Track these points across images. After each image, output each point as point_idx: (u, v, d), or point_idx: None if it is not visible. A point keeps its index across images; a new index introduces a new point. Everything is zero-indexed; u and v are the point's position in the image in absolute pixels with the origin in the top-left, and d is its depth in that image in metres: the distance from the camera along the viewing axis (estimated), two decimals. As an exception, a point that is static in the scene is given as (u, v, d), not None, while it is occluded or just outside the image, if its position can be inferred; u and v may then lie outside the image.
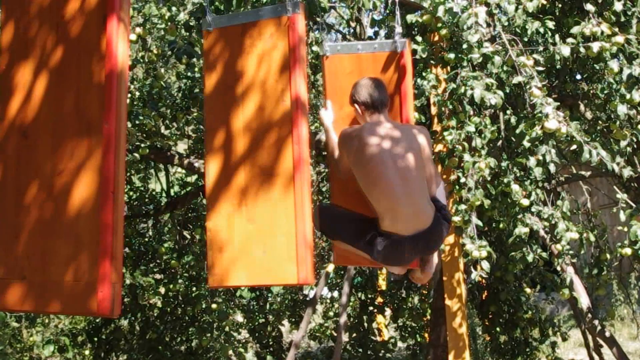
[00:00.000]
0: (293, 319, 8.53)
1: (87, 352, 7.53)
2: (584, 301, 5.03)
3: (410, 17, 4.99)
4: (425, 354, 6.69)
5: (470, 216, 4.58)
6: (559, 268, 4.99)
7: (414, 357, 7.91)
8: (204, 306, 6.72)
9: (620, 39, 4.49)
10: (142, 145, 6.14)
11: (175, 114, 6.82)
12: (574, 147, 4.31)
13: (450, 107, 4.68)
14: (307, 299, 8.49)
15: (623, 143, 4.70)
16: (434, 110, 5.09)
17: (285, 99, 3.47)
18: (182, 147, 7.88)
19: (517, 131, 4.64)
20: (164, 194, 7.83)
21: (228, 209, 3.54)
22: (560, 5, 5.19)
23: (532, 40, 4.94)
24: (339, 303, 7.51)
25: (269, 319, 8.23)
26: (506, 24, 4.81)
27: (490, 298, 6.74)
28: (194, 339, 7.17)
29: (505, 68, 4.54)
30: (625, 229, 4.68)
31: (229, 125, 3.60)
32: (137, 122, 6.07)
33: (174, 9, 5.97)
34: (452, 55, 4.65)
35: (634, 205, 4.74)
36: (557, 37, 4.68)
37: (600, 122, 5.35)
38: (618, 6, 4.64)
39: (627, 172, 4.46)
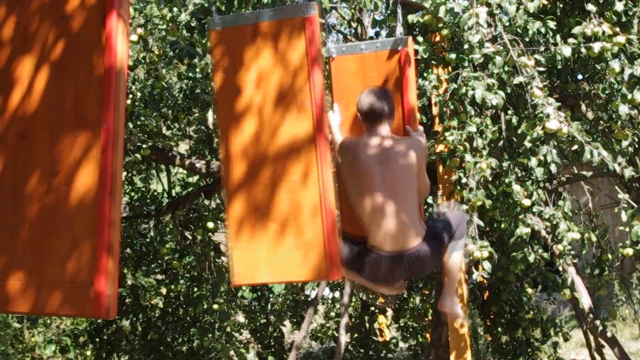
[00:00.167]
0: (294, 320, 8.53)
1: (88, 353, 7.53)
2: (586, 301, 5.03)
3: (412, 18, 4.99)
4: (426, 354, 6.69)
5: (472, 216, 4.57)
6: (560, 268, 4.99)
7: (415, 357, 7.91)
8: (205, 307, 6.72)
9: (621, 39, 4.49)
10: (144, 145, 6.14)
11: (176, 114, 6.83)
12: (575, 147, 4.31)
13: (452, 107, 4.68)
14: (309, 299, 8.49)
15: (624, 143, 4.70)
16: (435, 110, 5.09)
17: (305, 100, 3.48)
18: (183, 147, 7.89)
19: (519, 131, 4.64)
20: (165, 195, 7.83)
21: (249, 207, 3.56)
22: (561, 6, 5.19)
23: (533, 40, 4.94)
24: (341, 303, 7.51)
25: (271, 320, 8.23)
26: (507, 24, 4.81)
27: (491, 298, 6.74)
28: (196, 339, 7.17)
29: (506, 68, 4.54)
30: (627, 229, 4.68)
31: (244, 125, 3.61)
32: (138, 122, 6.07)
33: (175, 9, 5.97)
34: (453, 56, 4.65)
35: (635, 205, 4.74)
36: (558, 37, 4.68)
37: (601, 122, 5.35)
38: (619, 6, 4.64)
39: (628, 172, 4.46)
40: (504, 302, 6.64)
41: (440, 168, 5.10)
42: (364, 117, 3.94)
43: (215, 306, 6.63)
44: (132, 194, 7.58)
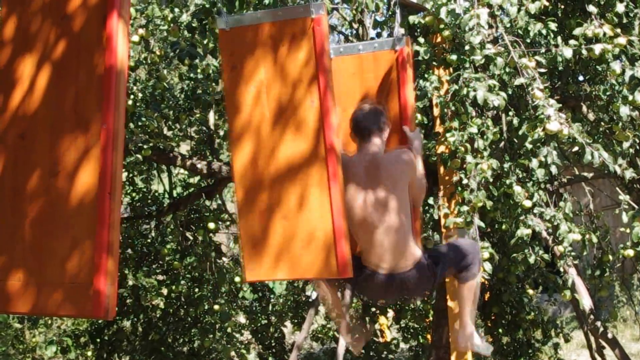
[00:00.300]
0: (295, 320, 8.53)
1: (89, 353, 7.54)
2: (586, 302, 5.03)
3: (413, 19, 4.99)
4: (427, 355, 6.69)
5: (473, 217, 4.58)
6: (561, 269, 4.99)
7: (416, 358, 7.91)
8: (206, 307, 6.73)
9: (622, 40, 4.49)
10: (145, 146, 6.14)
11: (178, 115, 6.84)
12: (576, 148, 4.31)
13: (453, 108, 4.68)
14: (310, 300, 8.49)
15: (625, 144, 4.70)
16: (436, 111, 5.09)
17: (314, 99, 3.49)
18: (184, 148, 7.89)
19: (520, 133, 4.64)
20: (166, 195, 7.84)
21: (260, 205, 3.60)
22: (562, 7, 5.19)
23: (535, 41, 4.94)
24: (342, 304, 7.50)
25: (272, 320, 8.23)
26: (508, 25, 4.81)
27: (492, 299, 6.73)
28: (197, 340, 7.18)
29: (507, 70, 4.55)
30: (628, 231, 4.68)
31: (254, 124, 3.63)
32: (139, 123, 6.08)
33: (176, 10, 5.98)
34: (454, 57, 4.65)
35: (636, 206, 4.74)
36: (559, 38, 4.68)
37: (602, 123, 5.35)
38: (620, 7, 4.64)
39: (629, 173, 4.46)
40: (504, 303, 6.64)
41: (441, 169, 5.10)
42: (353, 134, 3.96)
43: (216, 307, 6.63)
44: (133, 194, 7.59)
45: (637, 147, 4.86)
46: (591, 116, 5.53)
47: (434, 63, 4.91)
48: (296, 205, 3.52)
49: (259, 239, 3.60)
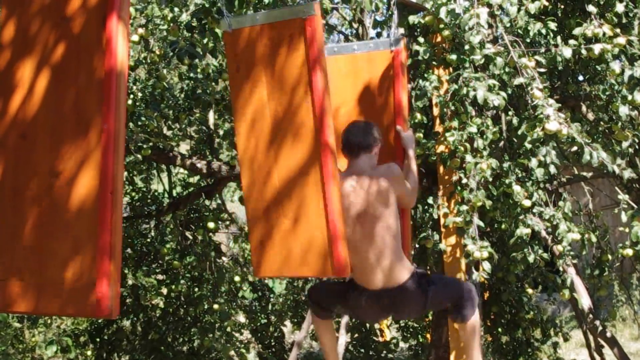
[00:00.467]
0: (295, 320, 8.53)
1: (89, 353, 7.53)
2: (585, 302, 5.04)
3: (413, 18, 4.99)
4: (427, 354, 6.70)
5: (472, 217, 4.58)
6: (560, 269, 5.00)
7: (415, 357, 7.91)
8: (206, 307, 6.73)
9: (622, 40, 4.49)
10: (145, 146, 6.15)
11: (177, 114, 6.83)
12: (575, 148, 4.32)
13: (452, 108, 4.68)
14: (309, 299, 8.49)
15: (625, 144, 4.70)
16: (436, 111, 5.10)
17: (309, 100, 3.51)
18: (184, 147, 7.89)
19: (519, 132, 4.64)
20: (166, 195, 7.84)
21: (263, 204, 3.66)
22: (562, 7, 5.20)
23: (534, 41, 4.94)
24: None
25: (271, 320, 8.23)
26: (508, 25, 4.82)
27: (492, 298, 6.74)
28: (196, 339, 7.17)
29: (507, 69, 4.55)
30: (627, 230, 4.69)
31: (258, 127, 3.67)
32: (139, 123, 6.08)
33: (176, 9, 5.98)
34: (454, 57, 4.65)
35: (635, 206, 4.75)
36: (559, 38, 4.68)
37: (602, 123, 5.35)
38: (620, 7, 4.65)
39: (627, 173, 4.47)
40: (504, 303, 6.65)
41: (441, 168, 5.11)
42: (343, 151, 3.99)
43: (216, 306, 6.63)
44: (133, 194, 7.59)
45: (637, 147, 4.86)
46: (590, 116, 5.54)
47: (434, 63, 4.92)
48: (296, 205, 3.56)
49: (265, 237, 3.67)
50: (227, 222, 7.85)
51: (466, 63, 4.62)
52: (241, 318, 8.27)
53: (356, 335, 7.69)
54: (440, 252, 5.25)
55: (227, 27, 3.74)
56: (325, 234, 3.47)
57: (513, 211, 4.77)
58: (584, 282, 5.16)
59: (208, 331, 6.73)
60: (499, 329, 6.88)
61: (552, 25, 4.74)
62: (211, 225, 6.70)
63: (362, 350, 7.64)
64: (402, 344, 8.37)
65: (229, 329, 6.79)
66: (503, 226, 5.01)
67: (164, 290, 7.13)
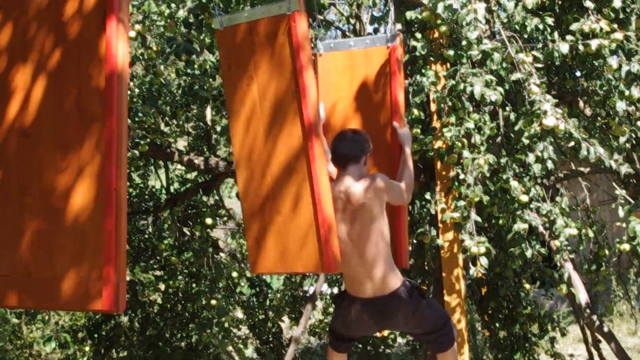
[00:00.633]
0: (293, 315, 8.54)
1: (87, 349, 7.54)
2: (583, 297, 5.05)
3: (410, 14, 4.99)
4: (424, 349, 6.71)
5: (470, 212, 4.59)
6: (558, 264, 5.01)
7: (413, 352, 7.92)
8: (203, 302, 6.73)
9: (619, 35, 4.50)
10: (142, 142, 6.14)
11: (175, 110, 6.83)
12: (572, 143, 4.32)
13: (450, 103, 4.69)
14: (307, 295, 8.51)
15: (622, 139, 4.71)
16: (433, 107, 5.10)
17: (295, 98, 3.52)
18: (181, 144, 7.89)
19: (516, 128, 4.65)
20: (163, 191, 7.84)
21: (258, 201, 3.69)
22: (559, 2, 5.20)
23: (532, 37, 4.95)
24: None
25: (269, 315, 8.24)
26: (505, 20, 4.82)
27: (489, 294, 6.75)
28: (194, 335, 7.18)
29: (504, 65, 4.55)
30: (624, 225, 4.69)
31: (253, 124, 3.68)
32: (136, 119, 6.07)
33: (173, 5, 5.97)
34: (451, 52, 4.66)
35: (632, 201, 4.76)
36: (556, 34, 4.68)
37: (599, 118, 5.36)
38: (617, 3, 4.65)
39: (624, 168, 4.47)
40: (501, 298, 6.66)
41: (439, 164, 5.11)
42: (333, 162, 4.02)
43: (214, 302, 6.63)
44: (131, 190, 7.58)
45: (634, 142, 4.87)
46: (588, 111, 5.54)
47: (431, 58, 4.92)
48: (288, 202, 3.58)
49: (261, 234, 3.69)
50: (225, 218, 7.86)
51: (463, 59, 4.62)
52: (239, 314, 8.28)
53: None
54: (437, 247, 5.26)
55: (219, 25, 3.75)
56: (317, 230, 3.49)
57: (510, 206, 4.78)
58: (581, 277, 5.17)
59: (206, 327, 6.73)
60: (497, 324, 6.89)
61: (550, 21, 4.74)
62: (209, 221, 6.70)
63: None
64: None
65: (226, 325, 6.80)
66: (500, 221, 5.02)
67: (162, 286, 7.13)
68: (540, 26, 4.75)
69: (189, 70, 6.82)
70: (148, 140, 6.22)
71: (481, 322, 7.57)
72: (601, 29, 4.51)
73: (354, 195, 3.83)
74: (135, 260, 7.34)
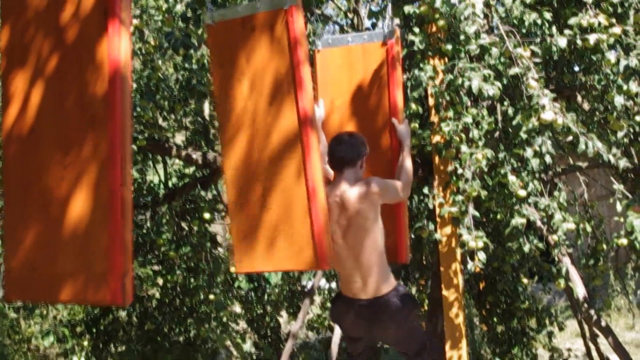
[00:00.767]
0: (291, 310, 8.55)
1: (85, 343, 7.54)
2: (580, 291, 5.05)
3: (408, 9, 4.98)
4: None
5: (467, 207, 4.59)
6: (555, 258, 5.01)
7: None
8: (202, 297, 6.74)
9: (617, 30, 4.49)
10: (140, 136, 6.14)
11: (173, 105, 6.82)
12: (570, 138, 4.32)
13: (448, 98, 4.68)
14: (305, 290, 8.51)
15: (620, 134, 4.71)
16: (431, 101, 5.10)
17: (291, 92, 3.50)
18: (179, 138, 7.88)
19: (514, 122, 4.64)
20: (161, 186, 7.83)
21: (246, 196, 3.63)
22: (557, -3, 5.19)
23: (530, 32, 4.94)
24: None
25: (267, 310, 8.25)
26: (504, 15, 4.81)
27: (487, 288, 6.76)
28: (192, 329, 7.19)
29: (502, 59, 4.55)
30: (622, 220, 4.69)
31: (240, 119, 3.65)
32: (134, 113, 6.07)
33: (170, 0, 5.96)
34: (449, 47, 4.65)
35: (630, 196, 4.76)
36: (554, 28, 4.68)
37: (597, 113, 5.35)
38: (615, -3, 4.65)
39: (622, 163, 4.47)
40: (499, 292, 6.67)
41: (437, 159, 5.11)
42: (329, 164, 4.06)
43: (212, 296, 6.64)
44: (129, 184, 7.56)
45: (631, 137, 4.87)
46: (586, 106, 5.54)
47: (429, 53, 4.91)
48: (280, 199, 3.55)
49: (247, 230, 3.64)
50: (223, 213, 7.85)
51: (461, 53, 4.61)
52: (237, 308, 8.28)
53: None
54: (435, 242, 5.26)
55: (210, 20, 3.73)
56: (309, 227, 3.46)
57: (508, 201, 4.78)
58: (579, 272, 5.18)
59: (204, 321, 6.74)
60: (495, 319, 6.90)
61: (548, 15, 4.73)
62: (207, 216, 6.70)
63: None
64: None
65: (224, 319, 6.80)
66: (498, 216, 5.02)
67: (160, 281, 7.14)
68: (539, 21, 4.74)
69: (186, 65, 6.81)
70: (146, 134, 6.22)
71: (479, 317, 7.58)
72: (599, 24, 4.50)
73: (349, 201, 3.88)
74: (133, 255, 7.32)
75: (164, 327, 7.20)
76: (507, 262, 5.73)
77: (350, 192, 3.90)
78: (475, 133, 4.59)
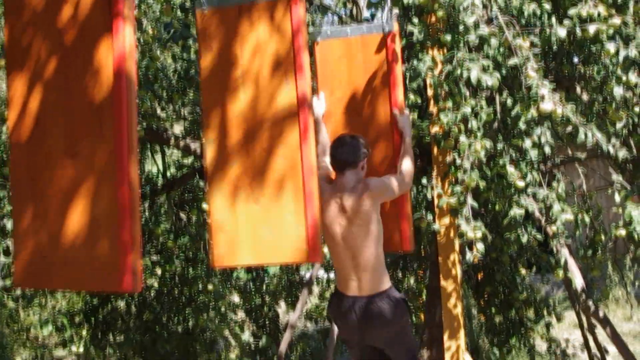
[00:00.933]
0: (289, 300, 8.56)
1: (84, 332, 7.56)
2: (578, 282, 5.06)
3: (407, -1, 4.96)
4: (420, 334, 6.73)
5: (466, 197, 4.58)
6: (554, 249, 5.01)
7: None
8: (200, 287, 6.74)
9: (617, 20, 4.48)
10: (138, 127, 6.13)
11: (171, 95, 6.81)
12: (569, 128, 4.32)
13: (447, 88, 4.67)
14: (304, 280, 8.52)
15: (619, 125, 4.70)
16: (430, 91, 5.09)
17: (289, 82, 3.46)
18: (178, 128, 7.87)
19: (513, 113, 4.64)
20: (160, 176, 7.83)
21: (229, 188, 3.53)
22: (557, -13, 5.17)
23: (529, 22, 4.92)
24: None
25: (266, 300, 8.26)
26: (503, 5, 4.79)
27: (485, 279, 6.77)
28: (191, 319, 7.20)
29: (501, 50, 4.54)
30: (621, 211, 4.69)
31: (228, 106, 3.59)
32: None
33: (169, -11, 5.94)
34: (448, 37, 4.64)
35: (628, 186, 4.76)
36: (553, 18, 4.66)
37: (596, 103, 5.34)
38: (615, -13, 4.63)
39: (622, 153, 4.47)
40: (497, 283, 6.68)
41: (435, 149, 5.10)
42: (332, 166, 4.15)
43: (210, 286, 6.65)
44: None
45: (631, 127, 4.86)
46: (585, 97, 5.53)
47: (428, 43, 4.89)
48: (270, 188, 3.45)
49: (231, 223, 3.53)
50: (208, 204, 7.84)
51: (460, 43, 4.60)
52: (235, 298, 8.29)
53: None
54: (434, 232, 5.26)
55: (200, 6, 3.68)
56: (302, 218, 3.39)
57: (507, 192, 4.78)
58: (577, 263, 5.18)
59: (202, 311, 6.76)
60: (492, 309, 6.91)
61: (547, 6, 4.71)
62: (205, 205, 6.69)
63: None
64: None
65: (223, 309, 6.81)
66: (497, 207, 5.02)
67: (159, 271, 7.15)
68: (538, 11, 4.73)
69: (185, 55, 6.79)
70: (144, 124, 6.21)
71: (477, 307, 7.60)
72: (599, 14, 4.49)
73: (349, 202, 3.98)
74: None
75: (162, 317, 7.22)
76: (506, 253, 5.74)
77: (351, 193, 3.99)
78: (474, 123, 4.58)
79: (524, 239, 5.01)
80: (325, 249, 4.28)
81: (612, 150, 4.40)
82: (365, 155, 4.12)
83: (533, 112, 4.34)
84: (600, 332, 5.81)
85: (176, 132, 7.20)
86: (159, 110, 6.93)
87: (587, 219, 5.02)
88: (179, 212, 7.27)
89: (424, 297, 7.35)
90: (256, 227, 3.48)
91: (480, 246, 4.50)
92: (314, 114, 4.28)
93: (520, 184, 4.71)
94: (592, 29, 4.45)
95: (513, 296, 6.72)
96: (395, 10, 4.20)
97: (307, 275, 7.99)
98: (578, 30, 4.50)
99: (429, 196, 5.59)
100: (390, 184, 4.06)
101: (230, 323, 7.24)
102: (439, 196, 4.99)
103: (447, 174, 4.79)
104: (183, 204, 7.38)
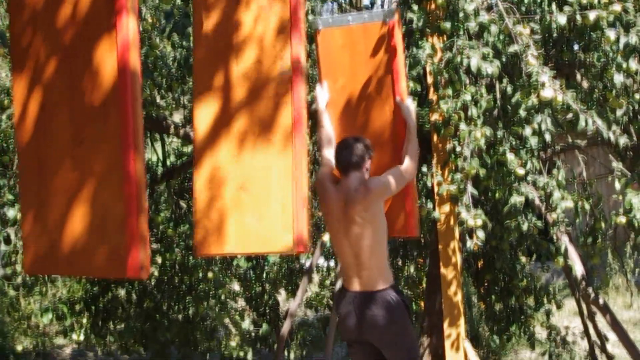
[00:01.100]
0: (289, 288, 8.58)
1: (84, 320, 7.57)
2: (579, 269, 5.06)
3: (407, -15, 4.95)
4: (420, 321, 6.74)
5: (466, 185, 4.58)
6: (554, 236, 5.01)
7: (409, 325, 7.95)
8: (200, 275, 6.75)
9: (617, 7, 4.46)
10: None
11: (170, 83, 6.79)
12: (570, 116, 4.31)
13: (446, 76, 4.66)
14: (304, 268, 8.52)
15: (619, 112, 4.69)
16: (430, 79, 5.07)
17: (285, 58, 3.39)
18: (177, 117, 7.86)
19: (513, 100, 4.63)
20: (160, 164, 7.83)
21: (217, 174, 3.45)
22: (557, -27, 5.14)
23: (529, 9, 4.90)
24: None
25: (266, 288, 8.27)
26: (503, -8, 4.78)
27: (485, 266, 6.77)
28: (191, 307, 7.21)
29: (501, 37, 4.52)
30: (621, 198, 4.69)
31: (220, 81, 3.50)
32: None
33: (169, -23, 5.90)
34: (448, 24, 4.62)
35: (629, 174, 4.75)
36: (553, 5, 4.65)
37: (596, 91, 5.33)
38: (615, -26, 4.61)
39: (623, 140, 4.46)
40: (498, 270, 6.68)
41: (435, 137, 5.09)
42: (336, 168, 4.21)
43: (210, 274, 6.66)
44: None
45: (631, 114, 4.85)
46: (585, 84, 5.51)
47: (428, 30, 4.88)
48: (259, 176, 3.35)
49: (216, 211, 3.43)
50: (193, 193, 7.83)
51: (460, 31, 4.59)
52: (236, 286, 8.30)
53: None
54: (434, 220, 5.26)
55: None
56: (289, 207, 3.28)
57: (507, 179, 4.78)
58: (577, 250, 5.18)
59: (203, 299, 6.77)
60: (493, 297, 6.92)
61: (547, -7, 4.70)
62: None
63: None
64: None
65: (223, 297, 6.82)
66: (497, 194, 5.01)
67: (159, 259, 7.15)
68: (538, -2, 4.72)
69: (184, 43, 6.77)
70: (144, 113, 6.20)
71: (477, 295, 7.61)
72: (599, 1, 4.47)
73: (352, 202, 4.04)
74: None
75: (162, 305, 7.23)
76: (506, 240, 5.73)
77: (354, 194, 4.05)
78: (474, 111, 4.58)
79: (524, 227, 5.01)
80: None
81: (612, 138, 4.39)
82: (369, 157, 4.17)
83: (533, 99, 4.33)
84: (600, 319, 5.81)
85: (176, 120, 7.19)
86: (158, 99, 6.91)
87: (587, 207, 5.02)
88: (179, 201, 7.27)
89: (424, 284, 7.36)
90: (243, 214, 3.36)
91: (480, 234, 4.50)
92: (317, 105, 4.31)
93: (521, 171, 4.71)
94: (592, 15, 4.43)
95: (513, 284, 6.73)
96: (389, 1, 4.18)
97: (307, 264, 7.99)
98: (578, 17, 4.49)
99: (429, 184, 5.58)
100: (390, 184, 4.13)
101: (231, 311, 7.25)
102: (439, 184, 4.98)
103: (447, 161, 4.79)
104: (183, 192, 7.38)
